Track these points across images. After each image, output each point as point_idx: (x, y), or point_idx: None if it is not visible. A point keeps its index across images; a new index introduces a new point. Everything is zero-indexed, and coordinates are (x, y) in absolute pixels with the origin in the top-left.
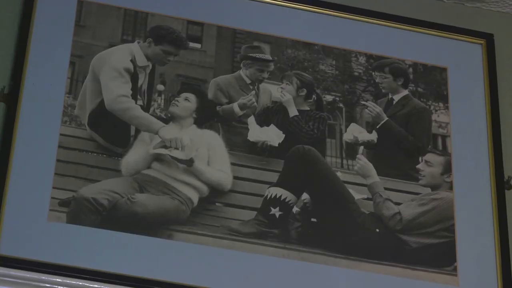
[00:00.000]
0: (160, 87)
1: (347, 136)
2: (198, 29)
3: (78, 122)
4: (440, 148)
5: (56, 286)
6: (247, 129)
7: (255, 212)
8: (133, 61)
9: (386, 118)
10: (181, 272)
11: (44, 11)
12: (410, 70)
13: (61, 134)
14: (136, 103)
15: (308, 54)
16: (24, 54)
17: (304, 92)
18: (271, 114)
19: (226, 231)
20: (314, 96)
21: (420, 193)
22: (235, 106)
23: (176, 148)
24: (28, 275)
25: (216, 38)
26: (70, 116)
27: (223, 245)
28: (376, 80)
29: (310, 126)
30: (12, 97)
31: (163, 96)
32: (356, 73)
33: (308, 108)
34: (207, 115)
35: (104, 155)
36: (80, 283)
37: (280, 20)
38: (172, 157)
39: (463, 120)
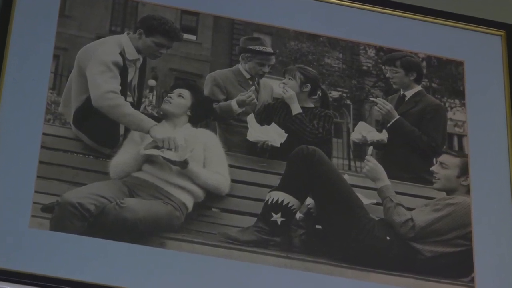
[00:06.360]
0: (152, 82)
1: (355, 136)
2: (193, 19)
3: (63, 121)
4: (456, 148)
5: None
6: (246, 128)
7: (255, 218)
8: (122, 54)
9: (397, 116)
10: (175, 284)
11: None
12: (424, 63)
13: (44, 134)
14: (125, 99)
15: (313, 47)
16: (4, 46)
17: (308, 87)
18: (272, 111)
19: (223, 239)
20: (319, 92)
21: (434, 198)
22: (233, 103)
23: (169, 149)
24: (7, 287)
25: (213, 29)
26: (53, 114)
27: (220, 254)
28: (387, 75)
29: (314, 124)
30: None
31: (155, 92)
32: (364, 67)
33: (313, 105)
34: (203, 113)
35: (91, 156)
36: None
37: (282, 9)
38: (164, 158)
39: (481, 118)
